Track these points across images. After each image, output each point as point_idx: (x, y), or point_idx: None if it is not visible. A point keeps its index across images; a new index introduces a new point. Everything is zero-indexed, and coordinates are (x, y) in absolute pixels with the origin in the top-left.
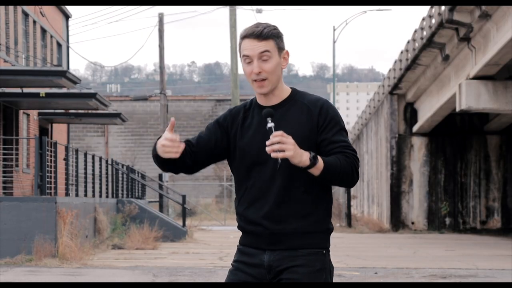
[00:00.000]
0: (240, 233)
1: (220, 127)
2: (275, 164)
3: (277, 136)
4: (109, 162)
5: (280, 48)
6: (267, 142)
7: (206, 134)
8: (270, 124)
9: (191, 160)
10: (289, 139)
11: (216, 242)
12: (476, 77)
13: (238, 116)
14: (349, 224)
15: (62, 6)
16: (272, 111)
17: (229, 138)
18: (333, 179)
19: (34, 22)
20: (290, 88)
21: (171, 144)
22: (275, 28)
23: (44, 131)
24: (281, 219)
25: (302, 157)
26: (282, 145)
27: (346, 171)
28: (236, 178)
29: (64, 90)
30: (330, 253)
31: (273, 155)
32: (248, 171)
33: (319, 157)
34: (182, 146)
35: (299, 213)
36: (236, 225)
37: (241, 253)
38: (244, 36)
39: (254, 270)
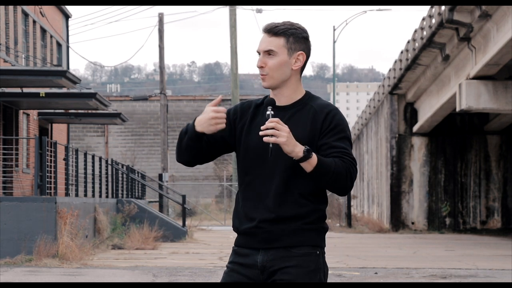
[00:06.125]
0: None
1: (227, 119)
2: (267, 151)
3: (272, 122)
4: (109, 162)
5: (292, 48)
6: (262, 127)
7: None
8: (269, 112)
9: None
10: (284, 127)
11: (216, 242)
12: (476, 77)
13: (248, 111)
14: (349, 224)
15: (62, 6)
16: (273, 100)
17: (235, 132)
18: (326, 179)
19: (34, 22)
20: (306, 91)
21: (221, 115)
22: (296, 28)
23: (44, 131)
24: (276, 219)
25: (295, 147)
26: (275, 131)
27: (340, 172)
28: (238, 172)
29: (64, 90)
30: (325, 254)
31: (265, 139)
32: (248, 167)
33: (313, 153)
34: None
35: (293, 214)
36: None
37: (236, 254)
38: (262, 30)
39: (248, 271)
